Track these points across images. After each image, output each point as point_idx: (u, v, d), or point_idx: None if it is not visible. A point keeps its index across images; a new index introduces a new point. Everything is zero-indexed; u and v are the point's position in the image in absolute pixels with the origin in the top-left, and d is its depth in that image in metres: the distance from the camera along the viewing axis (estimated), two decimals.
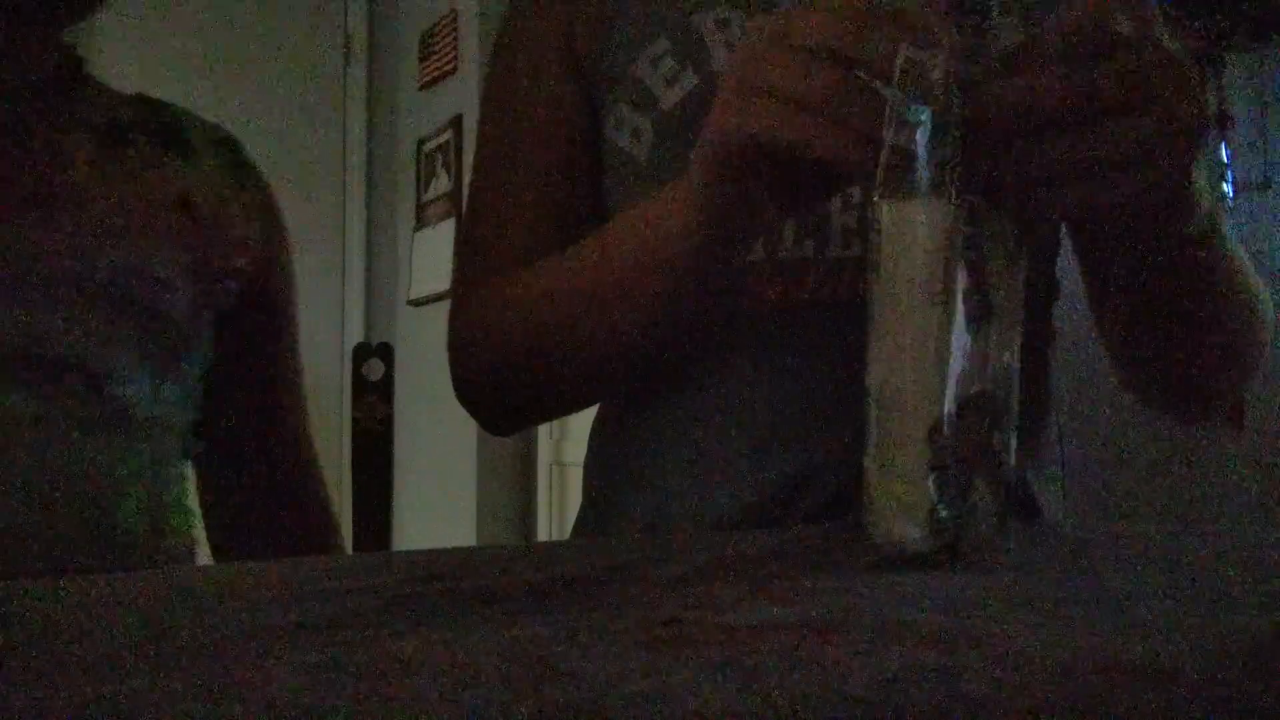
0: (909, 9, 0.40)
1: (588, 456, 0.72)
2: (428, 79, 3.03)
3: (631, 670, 0.25)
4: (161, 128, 0.75)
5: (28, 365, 0.62)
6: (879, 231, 0.40)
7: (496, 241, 0.69)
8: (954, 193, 0.39)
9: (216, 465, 0.81)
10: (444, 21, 2.93)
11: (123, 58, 2.28)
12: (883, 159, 0.39)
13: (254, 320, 0.78)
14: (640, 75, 0.64)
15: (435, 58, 2.98)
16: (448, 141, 2.89)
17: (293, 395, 0.84)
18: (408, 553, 0.48)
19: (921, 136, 0.39)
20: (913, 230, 0.39)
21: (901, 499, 0.40)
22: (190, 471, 0.77)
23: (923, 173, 0.39)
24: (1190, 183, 0.46)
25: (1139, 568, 0.42)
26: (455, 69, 2.91)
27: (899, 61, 0.39)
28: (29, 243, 0.63)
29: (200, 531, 0.77)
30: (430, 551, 0.46)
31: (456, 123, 2.86)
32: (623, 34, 0.66)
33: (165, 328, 0.69)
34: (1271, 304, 0.64)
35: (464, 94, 2.87)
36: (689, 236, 0.52)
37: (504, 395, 0.68)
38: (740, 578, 0.38)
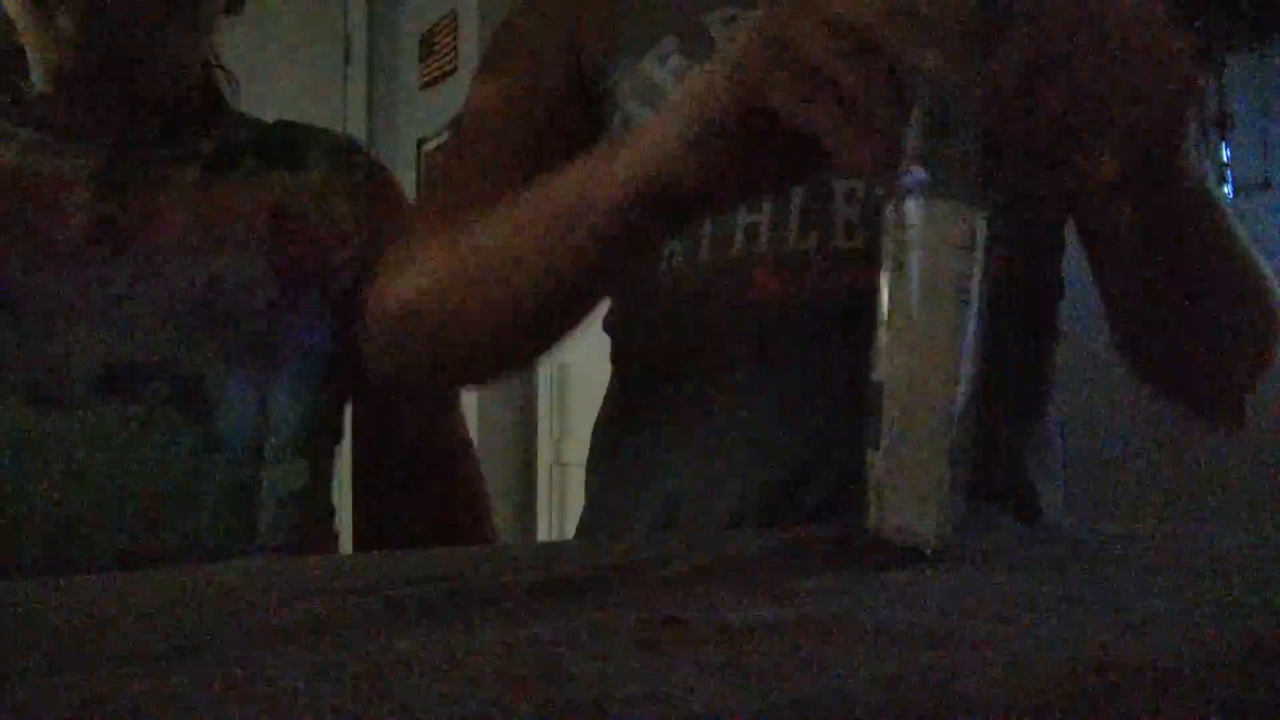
0: (938, 11, 0.40)
1: (590, 456, 0.72)
2: (428, 79, 3.03)
3: (631, 670, 0.25)
4: (274, 145, 0.79)
5: (123, 374, 0.67)
6: (904, 228, 0.40)
7: (450, 202, 0.66)
8: (982, 193, 0.40)
9: (364, 457, 0.85)
10: (444, 21, 2.93)
11: None
12: (911, 156, 0.40)
13: None
14: (648, 72, 0.64)
15: (435, 58, 2.98)
16: (448, 142, 2.89)
17: None
18: (408, 553, 0.48)
19: (955, 135, 0.40)
20: (944, 229, 0.40)
21: (918, 493, 0.41)
22: (332, 465, 0.81)
23: (953, 172, 0.40)
24: (1184, 137, 0.46)
25: (1139, 568, 0.42)
26: (455, 69, 2.91)
27: (929, 62, 0.40)
28: (128, 266, 0.69)
29: (335, 524, 0.81)
30: (430, 551, 0.46)
31: (457, 123, 2.86)
32: (630, 31, 0.66)
33: (258, 330, 0.72)
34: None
35: (464, 94, 2.86)
36: (653, 175, 0.47)
37: (409, 336, 0.63)
38: (740, 578, 0.38)
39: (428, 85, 3.04)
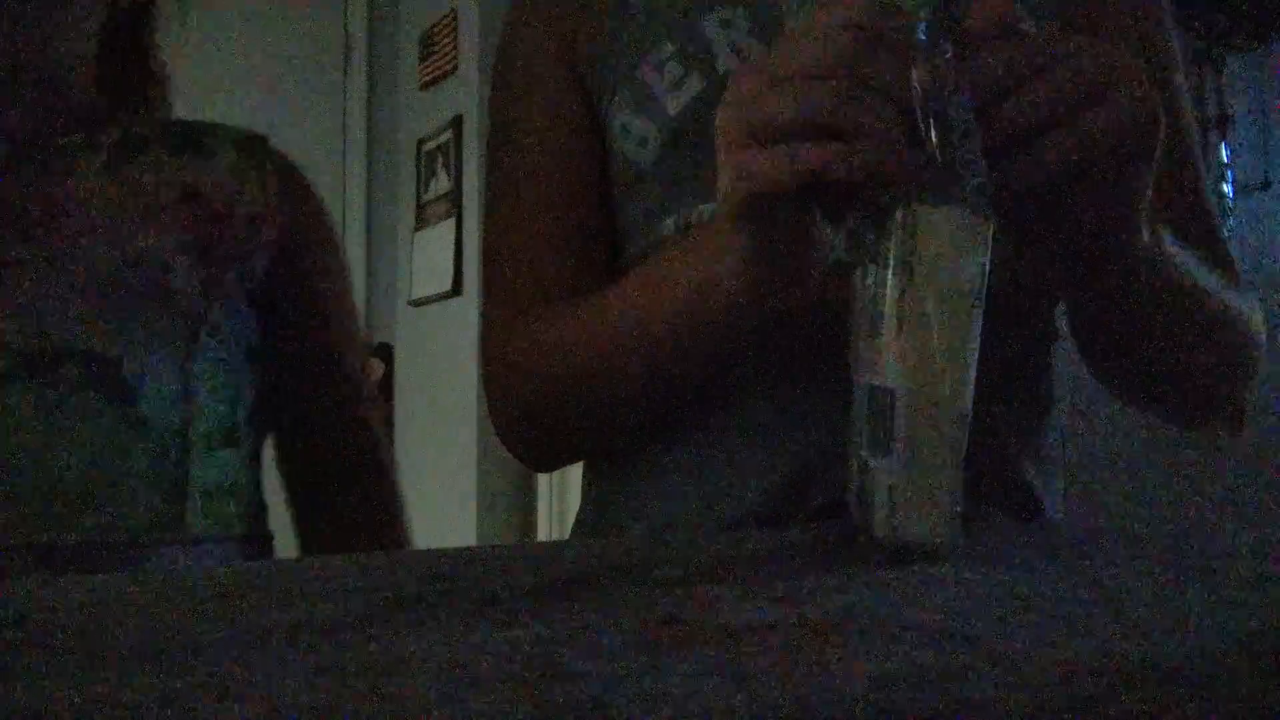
0: (893, 24, 0.41)
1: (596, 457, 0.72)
2: (428, 79, 3.03)
3: (631, 670, 0.25)
4: (179, 136, 0.78)
5: (37, 359, 0.66)
6: (914, 235, 0.40)
7: (517, 275, 0.68)
8: (989, 199, 0.40)
9: (283, 446, 0.84)
10: (444, 21, 2.93)
11: None
12: (920, 163, 0.40)
13: (292, 294, 0.79)
14: (645, 79, 0.64)
15: (435, 58, 2.98)
16: (448, 141, 2.89)
17: (340, 365, 0.85)
18: (408, 552, 0.48)
19: (961, 141, 0.40)
20: (956, 236, 0.40)
21: (932, 497, 0.41)
22: (261, 458, 0.80)
23: (963, 178, 0.40)
24: (1147, 188, 0.46)
25: (1139, 568, 0.42)
26: (455, 69, 2.91)
27: (920, 71, 0.40)
28: (38, 249, 0.68)
29: (267, 522, 0.79)
30: (430, 551, 0.46)
31: (456, 123, 2.86)
32: (626, 37, 0.66)
33: (177, 311, 0.71)
34: (1260, 313, 0.64)
35: (464, 94, 2.87)
36: (731, 286, 0.51)
37: (542, 434, 0.68)
38: (740, 578, 0.38)
39: (428, 85, 3.04)
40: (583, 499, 0.72)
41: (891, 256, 0.41)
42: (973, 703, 0.22)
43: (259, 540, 0.77)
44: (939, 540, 0.41)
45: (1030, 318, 0.65)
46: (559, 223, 0.68)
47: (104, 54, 0.77)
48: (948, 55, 0.40)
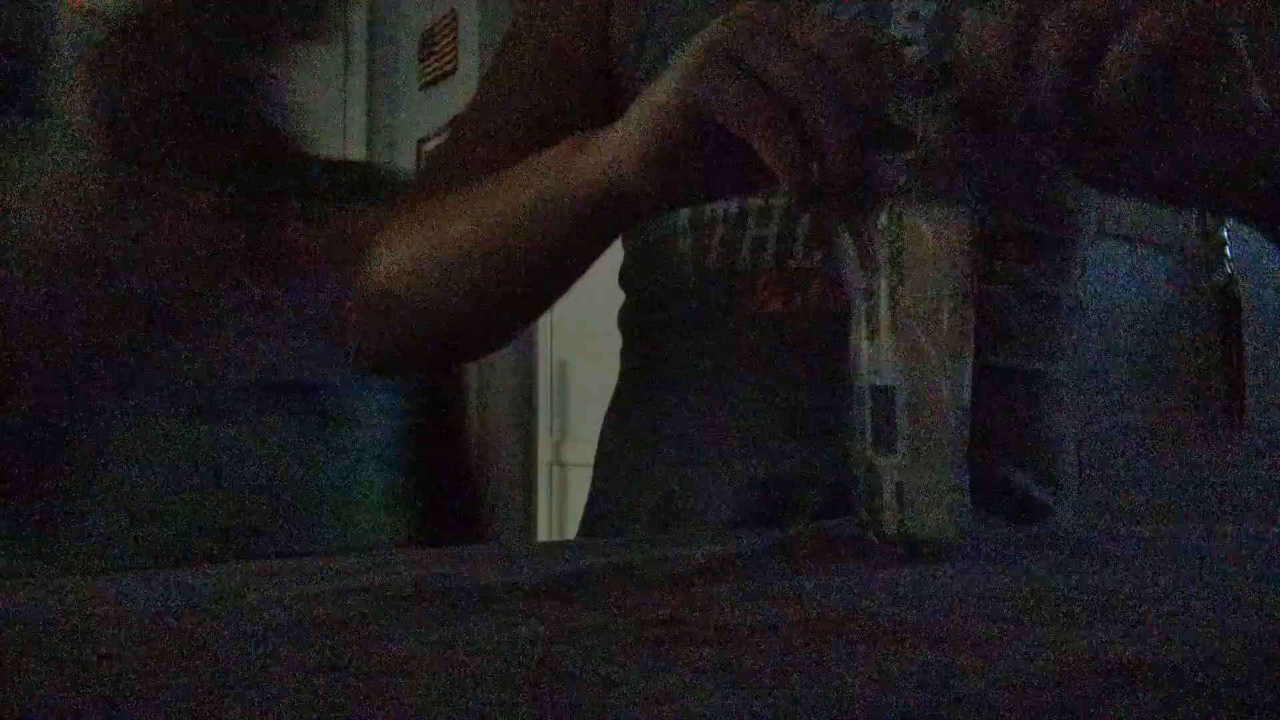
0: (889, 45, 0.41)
1: (597, 451, 0.72)
2: (428, 79, 3.03)
3: (631, 670, 0.25)
4: (359, 185, 0.85)
5: (269, 390, 0.73)
6: (900, 236, 0.41)
7: (438, 184, 0.66)
8: (975, 196, 0.41)
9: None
10: (444, 21, 2.93)
11: None
12: (906, 164, 0.40)
13: None
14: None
15: (435, 58, 2.98)
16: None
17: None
18: (408, 553, 0.48)
19: (948, 140, 0.40)
20: (945, 234, 0.41)
21: (938, 493, 0.42)
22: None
23: (948, 178, 0.41)
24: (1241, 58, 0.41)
25: (1139, 568, 0.42)
26: (455, 69, 2.91)
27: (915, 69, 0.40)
28: (267, 290, 0.75)
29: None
30: (430, 551, 0.46)
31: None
32: (663, 22, 0.66)
33: None
34: None
35: (464, 94, 2.86)
36: (612, 181, 0.48)
37: (386, 324, 0.64)
38: (740, 578, 0.38)
39: (428, 85, 3.04)
40: (589, 499, 0.72)
41: (880, 258, 0.41)
42: (973, 703, 0.22)
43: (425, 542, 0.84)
44: (950, 534, 0.42)
45: (1043, 325, 0.65)
46: (524, 138, 0.64)
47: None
48: (930, 54, 0.41)
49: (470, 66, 2.85)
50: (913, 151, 0.40)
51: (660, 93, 0.45)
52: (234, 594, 0.37)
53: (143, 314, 0.71)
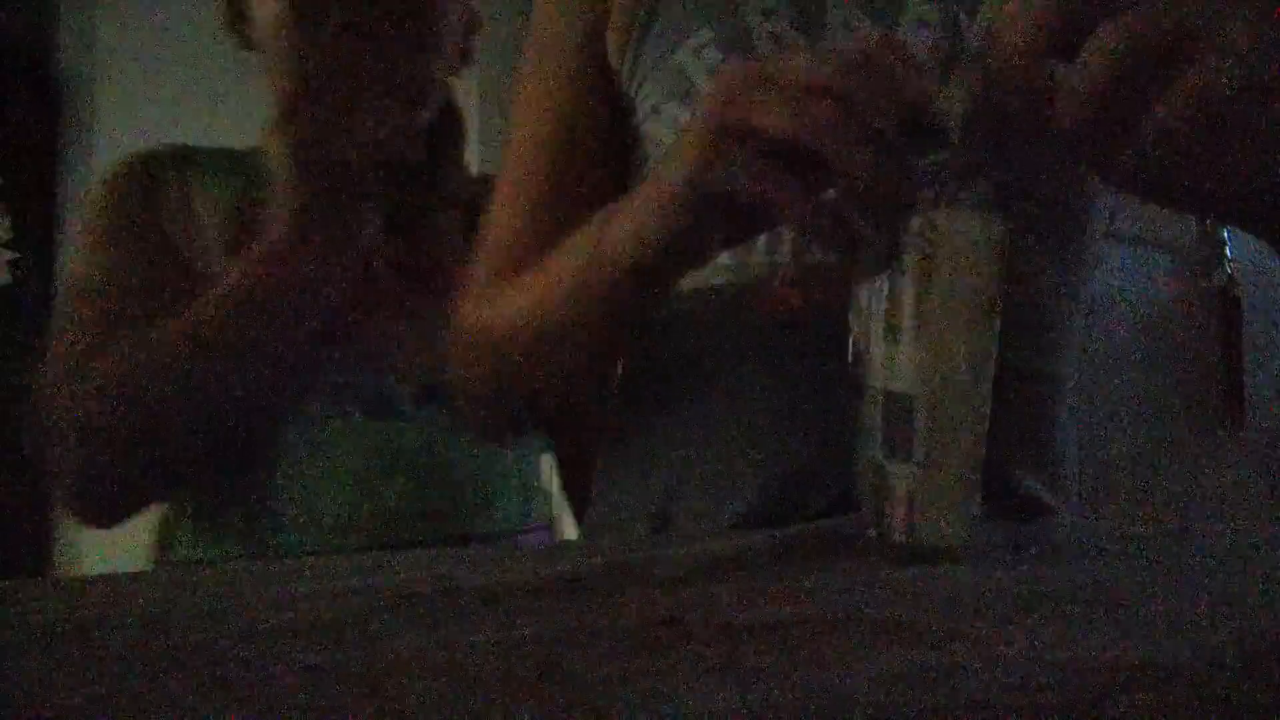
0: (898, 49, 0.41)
1: (601, 452, 0.72)
2: None
3: (631, 670, 0.25)
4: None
5: (436, 389, 0.81)
6: (931, 243, 0.40)
7: (509, 246, 0.69)
8: (1003, 203, 0.41)
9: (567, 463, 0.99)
10: None
11: (123, 59, 2.28)
12: (930, 170, 0.40)
13: None
14: (682, 65, 0.64)
15: None
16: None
17: None
18: (408, 553, 0.48)
19: (976, 149, 0.40)
20: (972, 243, 0.41)
21: (952, 500, 0.41)
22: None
23: (976, 185, 0.40)
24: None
25: (1139, 568, 0.42)
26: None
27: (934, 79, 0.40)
28: (428, 300, 0.83)
29: (555, 509, 0.96)
30: (430, 551, 0.46)
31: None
32: (664, 23, 0.66)
33: None
34: None
35: (464, 94, 2.85)
36: (624, 266, 0.51)
37: (508, 398, 0.68)
38: (740, 578, 0.38)
39: None
40: (594, 498, 0.72)
41: (909, 264, 0.41)
42: (973, 703, 0.22)
43: (552, 523, 0.95)
44: (956, 544, 0.41)
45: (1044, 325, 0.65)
46: (563, 201, 0.67)
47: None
48: (958, 57, 0.40)
49: (470, 66, 2.84)
50: (944, 154, 0.40)
51: (669, 178, 0.47)
52: (234, 594, 0.37)
53: (326, 330, 0.79)
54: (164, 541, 0.82)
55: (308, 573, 0.41)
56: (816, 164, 0.40)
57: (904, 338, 0.41)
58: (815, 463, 0.58)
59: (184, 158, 0.87)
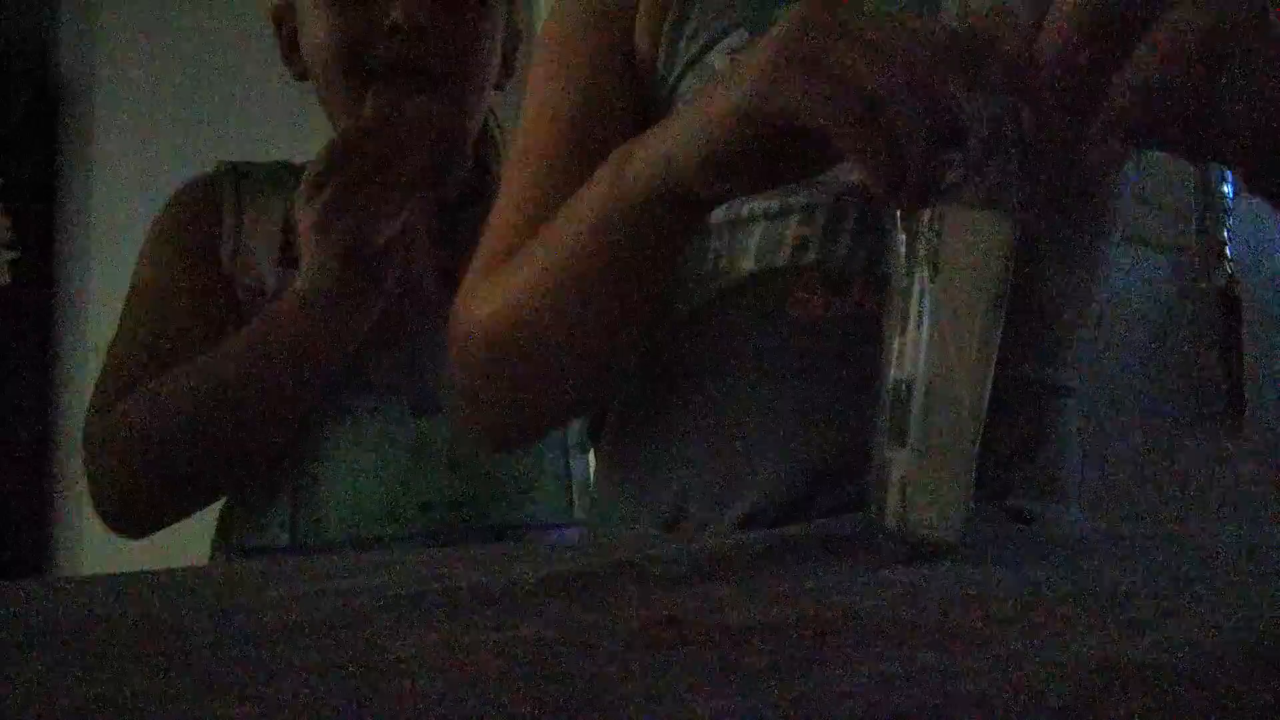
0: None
1: (606, 450, 0.71)
2: None
3: (631, 670, 0.25)
4: None
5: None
6: (940, 235, 0.41)
7: (510, 233, 0.67)
8: (1016, 201, 0.41)
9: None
10: None
11: (123, 59, 2.28)
12: (958, 162, 0.41)
13: None
14: (715, 65, 0.63)
15: None
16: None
17: None
18: (407, 553, 0.48)
19: (999, 150, 0.41)
20: (982, 238, 0.41)
21: (943, 491, 0.42)
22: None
23: (990, 181, 0.41)
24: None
25: (1139, 567, 0.42)
26: None
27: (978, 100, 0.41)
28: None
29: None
30: (430, 551, 0.46)
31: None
32: (698, 21, 0.65)
33: None
34: None
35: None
36: (667, 185, 0.49)
37: (501, 394, 0.66)
38: (740, 578, 0.38)
39: None
40: (597, 493, 0.71)
41: (920, 254, 0.42)
42: (973, 703, 0.22)
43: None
44: (946, 534, 0.42)
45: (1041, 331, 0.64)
46: (563, 182, 0.64)
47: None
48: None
49: None
50: (965, 151, 0.41)
51: (723, 98, 0.45)
52: (234, 594, 0.37)
53: (374, 330, 0.82)
54: (223, 527, 0.88)
55: (308, 573, 0.41)
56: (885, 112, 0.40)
57: (909, 326, 0.42)
58: (830, 472, 0.58)
59: (242, 174, 0.92)
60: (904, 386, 0.42)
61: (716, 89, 0.47)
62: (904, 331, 0.42)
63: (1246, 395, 2.02)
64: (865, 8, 0.43)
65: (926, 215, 0.42)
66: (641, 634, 0.28)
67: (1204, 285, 2.02)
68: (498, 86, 0.95)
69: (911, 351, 0.42)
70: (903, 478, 0.42)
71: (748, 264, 0.61)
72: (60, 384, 2.24)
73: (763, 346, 0.61)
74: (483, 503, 0.85)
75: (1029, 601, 0.33)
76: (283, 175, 0.92)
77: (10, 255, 2.20)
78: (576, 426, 0.89)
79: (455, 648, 0.27)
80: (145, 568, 0.44)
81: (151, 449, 0.79)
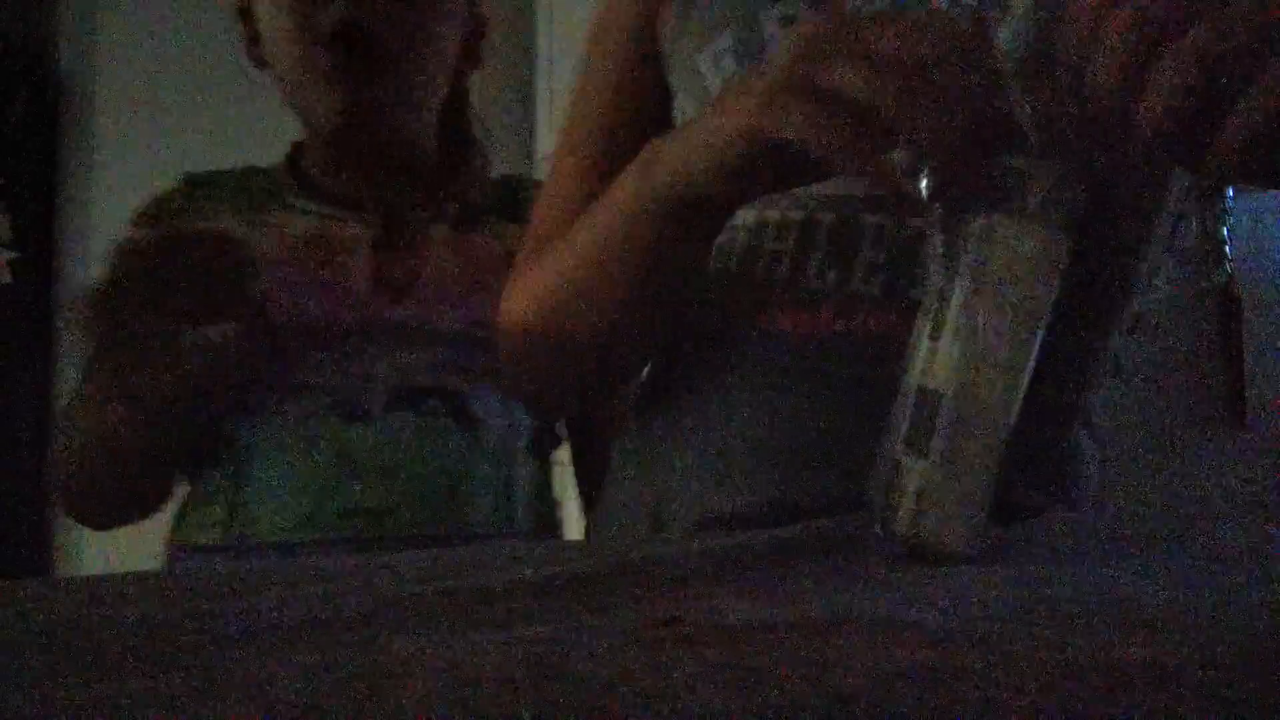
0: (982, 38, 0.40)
1: (614, 451, 0.73)
2: None
3: (631, 670, 0.25)
4: (505, 202, 0.96)
5: (409, 394, 0.84)
6: (988, 246, 0.40)
7: (551, 222, 0.70)
8: (1069, 218, 0.40)
9: (581, 460, 1.01)
10: None
11: (123, 59, 2.28)
12: (1011, 169, 0.40)
13: None
14: (702, 70, 0.63)
15: None
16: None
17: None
18: (407, 553, 0.48)
19: (1050, 159, 0.40)
20: (1030, 252, 0.40)
21: (961, 502, 0.41)
22: (551, 468, 0.96)
23: (1039, 193, 0.40)
24: None
25: (1139, 568, 0.42)
26: None
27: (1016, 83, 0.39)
28: (406, 312, 0.86)
29: (559, 516, 0.97)
30: (430, 551, 0.46)
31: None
32: (696, 24, 0.65)
33: None
34: None
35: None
36: (684, 189, 0.51)
37: (538, 373, 0.70)
38: (740, 578, 0.38)
39: None
40: (601, 496, 0.72)
41: (963, 263, 0.41)
42: (973, 703, 0.22)
43: (554, 530, 0.95)
44: (959, 548, 0.41)
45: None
46: (596, 178, 0.67)
47: (441, 127, 0.95)
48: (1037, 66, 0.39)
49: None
50: (1020, 158, 0.40)
51: (729, 115, 0.47)
52: (234, 594, 0.37)
53: (307, 334, 0.83)
54: (176, 524, 0.87)
55: (307, 573, 0.41)
56: (885, 126, 0.40)
57: (945, 335, 0.41)
58: (802, 491, 0.58)
59: (198, 184, 0.92)
60: (930, 396, 0.41)
61: (726, 103, 0.48)
62: (937, 339, 0.41)
63: (1246, 395, 2.02)
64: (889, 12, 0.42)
65: (977, 223, 0.40)
66: (641, 634, 0.28)
67: (1204, 285, 2.02)
68: (460, 75, 0.94)
69: (943, 361, 0.41)
70: (919, 487, 0.41)
71: (731, 270, 0.62)
72: (60, 384, 2.24)
73: (736, 359, 0.61)
74: (410, 511, 0.83)
75: (1029, 601, 0.33)
76: (241, 180, 0.92)
77: (10, 255, 2.20)
78: (522, 434, 0.89)
79: (455, 648, 0.27)
80: (145, 568, 0.44)
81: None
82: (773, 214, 0.61)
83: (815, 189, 0.58)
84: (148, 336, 0.74)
